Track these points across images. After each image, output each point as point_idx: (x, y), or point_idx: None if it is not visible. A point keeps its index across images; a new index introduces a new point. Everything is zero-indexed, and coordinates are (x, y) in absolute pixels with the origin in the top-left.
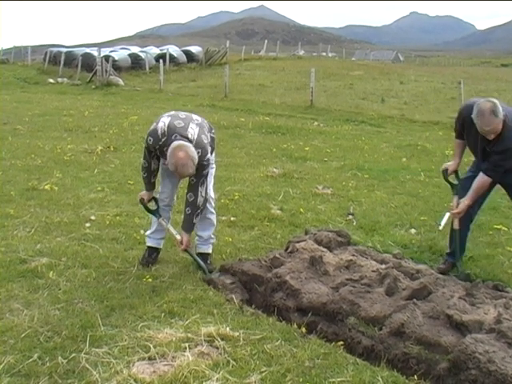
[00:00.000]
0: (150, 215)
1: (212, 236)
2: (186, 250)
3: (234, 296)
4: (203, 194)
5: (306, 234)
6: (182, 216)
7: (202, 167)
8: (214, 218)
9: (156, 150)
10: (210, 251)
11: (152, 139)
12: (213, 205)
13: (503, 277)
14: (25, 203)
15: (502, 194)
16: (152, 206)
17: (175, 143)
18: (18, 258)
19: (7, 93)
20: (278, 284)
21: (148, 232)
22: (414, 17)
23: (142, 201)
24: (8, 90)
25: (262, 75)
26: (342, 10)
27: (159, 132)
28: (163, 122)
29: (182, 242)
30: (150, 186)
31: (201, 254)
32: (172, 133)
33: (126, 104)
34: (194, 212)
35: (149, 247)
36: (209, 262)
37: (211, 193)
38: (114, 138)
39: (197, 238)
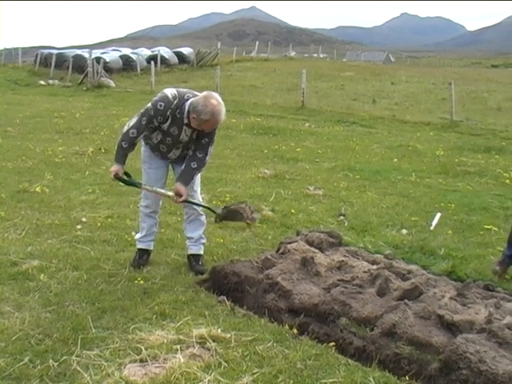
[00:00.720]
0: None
1: (202, 236)
2: (185, 200)
3: (225, 298)
4: (211, 153)
5: (298, 235)
6: (182, 168)
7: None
8: (203, 218)
9: (167, 116)
10: (202, 252)
11: (163, 104)
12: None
13: (494, 277)
14: (16, 205)
15: (492, 195)
16: (127, 178)
17: (203, 94)
18: (9, 261)
19: None
20: (269, 285)
21: (138, 236)
22: (405, 18)
23: (116, 175)
24: None
25: (253, 76)
26: (333, 11)
27: (170, 96)
28: (169, 89)
29: (179, 195)
30: (124, 159)
31: (192, 256)
32: (183, 95)
33: (118, 106)
34: (199, 167)
35: (139, 249)
36: (200, 263)
37: (199, 196)
38: (106, 139)
39: (187, 240)
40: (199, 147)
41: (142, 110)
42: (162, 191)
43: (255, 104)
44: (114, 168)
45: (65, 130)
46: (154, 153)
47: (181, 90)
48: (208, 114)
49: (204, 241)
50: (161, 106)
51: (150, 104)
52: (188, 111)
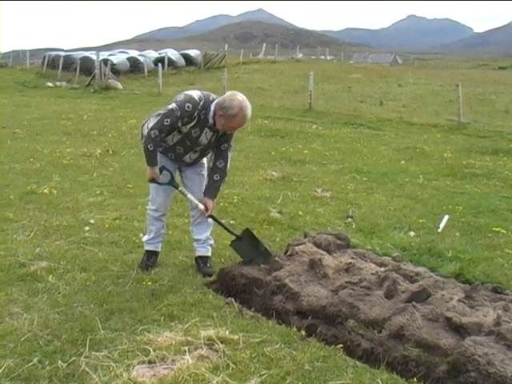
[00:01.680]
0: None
1: (210, 237)
2: (211, 216)
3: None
4: (230, 161)
5: (306, 237)
6: (206, 183)
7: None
8: (210, 220)
9: (193, 117)
10: (210, 254)
11: (191, 105)
12: None
13: (502, 279)
14: (24, 207)
15: (500, 197)
16: (164, 178)
17: (228, 93)
18: (18, 262)
19: (6, 96)
20: (277, 287)
21: (146, 238)
22: (412, 20)
23: (153, 180)
24: (7, 94)
25: (260, 78)
26: (340, 13)
27: (196, 97)
28: (192, 91)
29: (206, 209)
30: (156, 160)
31: (200, 258)
32: (207, 96)
33: (125, 107)
34: (222, 178)
35: (147, 251)
36: (208, 265)
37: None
38: (113, 141)
39: (194, 242)
40: (219, 155)
41: (164, 111)
42: (195, 201)
43: (262, 106)
44: (150, 172)
45: (72, 131)
46: (168, 155)
47: (203, 91)
48: (236, 107)
49: (211, 242)
50: (188, 107)
51: (174, 105)
52: (214, 111)
